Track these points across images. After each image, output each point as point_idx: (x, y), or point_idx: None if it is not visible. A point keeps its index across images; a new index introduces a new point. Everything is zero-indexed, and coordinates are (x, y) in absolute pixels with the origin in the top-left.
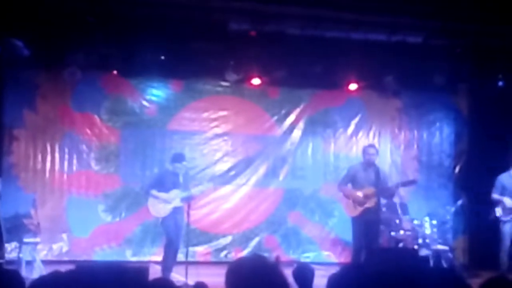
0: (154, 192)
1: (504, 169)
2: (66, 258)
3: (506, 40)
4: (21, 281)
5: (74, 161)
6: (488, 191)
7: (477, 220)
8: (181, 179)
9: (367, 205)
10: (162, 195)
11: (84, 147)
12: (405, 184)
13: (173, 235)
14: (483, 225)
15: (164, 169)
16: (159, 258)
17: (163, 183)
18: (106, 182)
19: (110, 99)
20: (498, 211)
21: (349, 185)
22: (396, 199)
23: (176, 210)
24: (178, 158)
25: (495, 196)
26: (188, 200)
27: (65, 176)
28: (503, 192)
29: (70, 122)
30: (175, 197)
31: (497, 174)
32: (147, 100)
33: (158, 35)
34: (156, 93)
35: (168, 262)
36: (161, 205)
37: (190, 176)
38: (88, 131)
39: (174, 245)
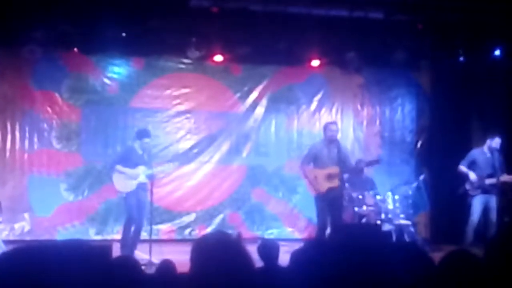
0: (119, 167)
1: (466, 144)
2: (28, 238)
3: (466, 15)
4: None
5: (35, 140)
6: (449, 166)
7: (439, 195)
8: (145, 156)
9: (331, 184)
10: (128, 170)
11: (45, 125)
12: (370, 163)
13: (135, 212)
14: (445, 200)
15: (129, 145)
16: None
17: (128, 160)
18: (68, 160)
19: (71, 77)
20: (467, 186)
21: (311, 164)
22: (361, 175)
23: (140, 186)
24: (144, 134)
25: (462, 168)
26: (152, 178)
27: (26, 155)
28: (472, 166)
29: (30, 101)
30: (140, 173)
31: (458, 149)
32: (108, 78)
33: (119, 12)
34: (117, 70)
35: (128, 240)
36: (126, 180)
37: (154, 154)
38: (49, 110)
39: (136, 222)
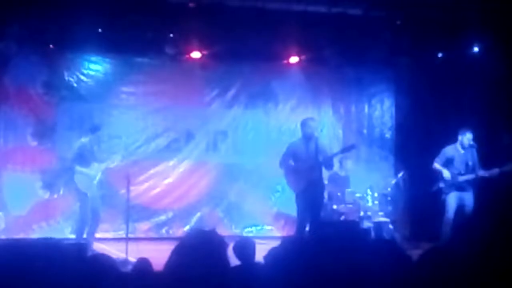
0: (78, 168)
1: (444, 141)
2: (2, 236)
3: (445, 12)
4: None
5: (10, 137)
6: (428, 163)
7: (418, 192)
8: (96, 150)
9: (309, 179)
10: (85, 170)
11: (20, 122)
12: (344, 150)
13: (94, 213)
14: (424, 197)
15: (81, 142)
16: (98, 235)
17: (83, 157)
18: (43, 158)
19: (46, 73)
20: (441, 184)
21: (291, 161)
22: (341, 173)
23: (99, 185)
24: (93, 129)
25: (436, 165)
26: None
27: (0, 152)
28: (446, 163)
29: (5, 97)
30: (96, 171)
31: (436, 146)
32: (84, 74)
33: (95, 7)
34: (93, 67)
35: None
36: (87, 181)
37: (103, 148)
38: (24, 106)
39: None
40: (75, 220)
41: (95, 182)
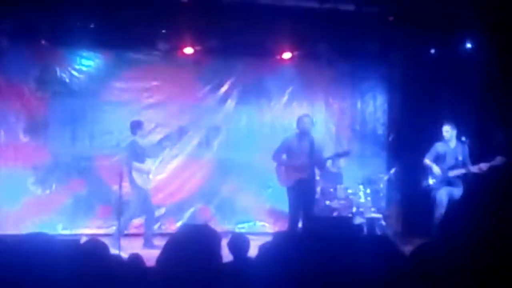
0: (135, 164)
1: (437, 137)
2: None
3: (438, 8)
4: None
5: (2, 133)
6: (420, 159)
7: (410, 188)
8: (148, 147)
9: (302, 175)
10: (141, 166)
11: (11, 118)
12: (339, 155)
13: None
14: (416, 193)
15: (132, 140)
16: (91, 231)
17: (137, 154)
18: (35, 154)
19: (38, 68)
20: (431, 179)
21: (284, 156)
22: (333, 169)
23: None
24: (138, 125)
25: (427, 161)
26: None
27: None
28: (436, 159)
29: None
30: (150, 167)
31: (429, 142)
32: (76, 70)
33: (87, 2)
34: (86, 62)
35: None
36: (144, 176)
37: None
38: (16, 102)
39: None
40: (67, 216)
41: (150, 176)
